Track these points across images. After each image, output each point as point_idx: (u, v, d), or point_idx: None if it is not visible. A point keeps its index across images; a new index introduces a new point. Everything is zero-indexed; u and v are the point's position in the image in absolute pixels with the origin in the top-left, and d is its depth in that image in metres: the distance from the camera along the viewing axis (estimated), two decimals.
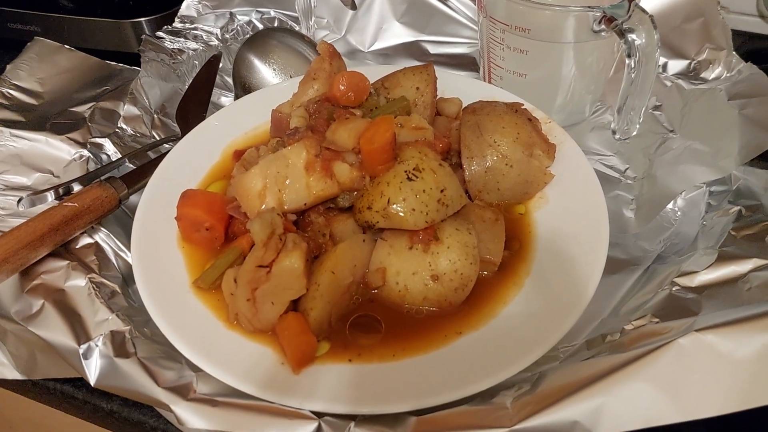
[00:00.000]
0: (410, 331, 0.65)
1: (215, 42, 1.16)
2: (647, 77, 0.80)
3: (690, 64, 0.97)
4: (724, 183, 0.80)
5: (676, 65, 0.98)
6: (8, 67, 1.04)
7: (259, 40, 1.07)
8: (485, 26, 0.92)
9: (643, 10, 0.78)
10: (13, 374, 0.70)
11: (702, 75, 0.96)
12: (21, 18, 1.22)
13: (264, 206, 0.69)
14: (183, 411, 0.58)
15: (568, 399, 0.52)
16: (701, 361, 0.52)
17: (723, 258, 0.67)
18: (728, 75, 0.94)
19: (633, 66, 0.79)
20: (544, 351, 0.60)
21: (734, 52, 0.95)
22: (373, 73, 0.85)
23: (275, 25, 1.22)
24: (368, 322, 0.67)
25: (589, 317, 0.70)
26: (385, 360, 0.63)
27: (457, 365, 0.61)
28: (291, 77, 1.05)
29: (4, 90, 1.01)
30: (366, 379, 0.61)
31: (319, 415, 0.58)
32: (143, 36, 1.11)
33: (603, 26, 0.81)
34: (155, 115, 1.02)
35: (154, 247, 0.73)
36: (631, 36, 0.77)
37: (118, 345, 0.65)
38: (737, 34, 0.99)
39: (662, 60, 0.98)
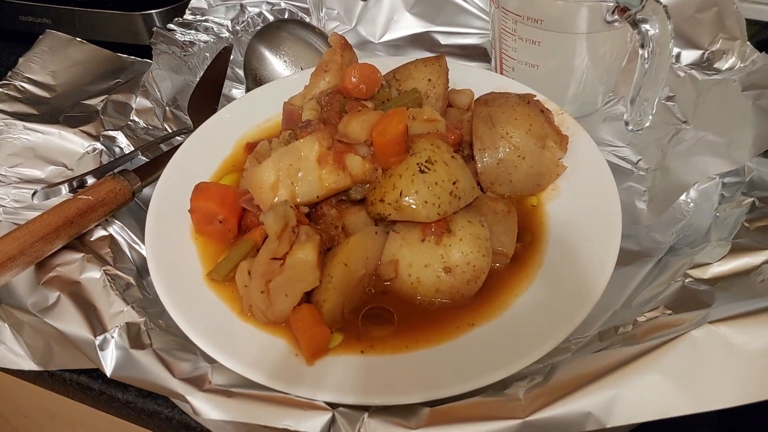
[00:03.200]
0: (423, 322, 0.66)
1: (226, 34, 1.16)
2: (661, 68, 0.79)
3: (703, 54, 0.96)
4: (737, 174, 0.80)
5: (689, 55, 0.97)
6: (20, 60, 1.05)
7: (270, 32, 1.07)
8: (497, 17, 0.92)
9: (657, 0, 0.77)
10: (30, 365, 0.71)
11: (715, 65, 0.95)
12: (32, 10, 1.23)
13: (277, 199, 0.69)
14: (199, 402, 0.59)
15: (581, 390, 0.52)
16: (714, 353, 0.52)
17: (736, 250, 0.67)
18: (742, 65, 0.92)
19: (646, 56, 0.78)
20: (556, 343, 0.60)
21: (748, 42, 0.94)
22: (385, 64, 0.85)
23: (286, 16, 1.22)
24: (381, 314, 0.67)
25: (601, 309, 0.70)
26: (397, 351, 0.63)
27: (469, 357, 0.61)
28: (302, 69, 1.05)
29: (17, 83, 1.01)
30: (379, 370, 0.61)
31: (333, 405, 0.58)
32: (154, 28, 1.11)
33: (616, 16, 0.80)
34: (167, 108, 1.02)
35: (168, 239, 0.74)
36: (645, 26, 0.77)
37: (134, 336, 0.66)
38: (751, 24, 0.98)
39: (675, 50, 0.97)
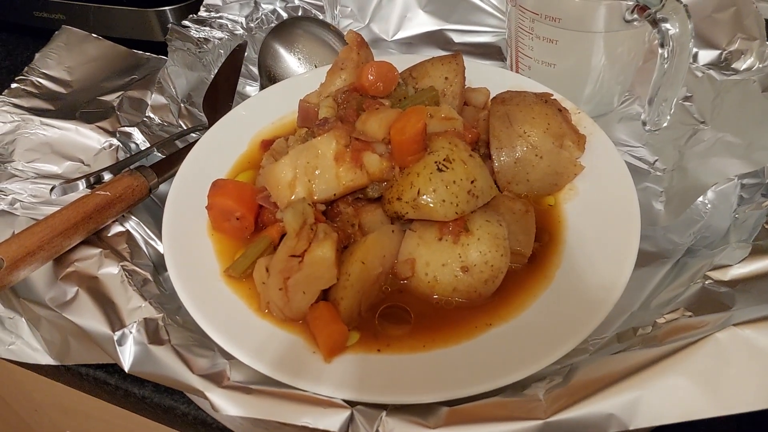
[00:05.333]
0: (439, 322, 0.66)
1: (240, 31, 1.16)
2: (680, 68, 0.79)
3: (721, 54, 0.96)
4: (756, 176, 0.78)
5: (706, 55, 0.97)
6: (37, 55, 1.05)
7: (285, 29, 1.07)
8: (514, 15, 0.91)
9: None
10: (47, 360, 0.71)
11: (733, 65, 0.94)
12: (46, 6, 1.23)
13: (294, 196, 0.69)
14: (217, 398, 0.59)
15: (603, 392, 0.52)
16: (738, 356, 0.52)
17: (757, 252, 0.66)
18: (761, 66, 0.92)
19: (666, 56, 0.78)
20: (575, 344, 0.60)
21: (767, 42, 0.93)
22: (401, 62, 0.85)
23: (300, 13, 1.22)
24: (397, 313, 0.67)
25: (619, 310, 0.69)
26: (414, 350, 0.63)
27: (487, 357, 0.61)
28: (316, 66, 1.05)
29: (34, 78, 1.02)
30: (396, 369, 0.61)
31: (351, 404, 0.58)
32: (169, 25, 1.11)
33: (635, 15, 0.80)
34: (182, 105, 1.02)
35: (185, 235, 0.74)
36: (665, 25, 0.76)
37: (152, 332, 0.66)
38: None
39: (693, 50, 0.97)
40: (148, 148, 0.90)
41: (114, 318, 0.67)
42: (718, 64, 0.95)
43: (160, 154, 0.91)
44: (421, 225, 0.69)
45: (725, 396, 0.50)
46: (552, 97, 0.81)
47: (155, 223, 0.82)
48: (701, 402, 0.50)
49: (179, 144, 0.94)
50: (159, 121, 0.98)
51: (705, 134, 0.88)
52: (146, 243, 0.79)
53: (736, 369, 0.51)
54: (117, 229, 0.79)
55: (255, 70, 1.12)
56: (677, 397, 0.50)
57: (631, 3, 0.79)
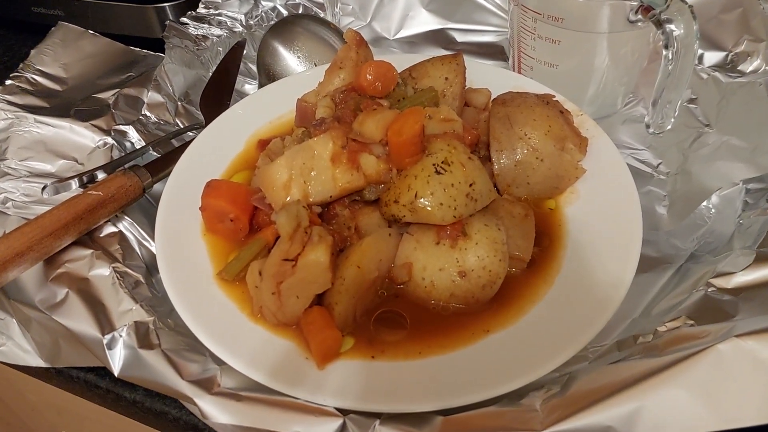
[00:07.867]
0: (436, 328, 0.64)
1: (239, 28, 1.14)
2: (685, 69, 0.77)
3: (727, 56, 0.94)
4: (761, 181, 0.77)
5: (712, 57, 0.95)
6: (32, 52, 1.04)
7: (284, 27, 1.06)
8: (516, 15, 0.90)
9: (683, 0, 0.75)
10: (37, 362, 0.71)
11: (739, 68, 0.92)
12: (44, 2, 1.22)
13: (289, 198, 0.68)
14: (207, 405, 0.58)
15: (601, 403, 0.51)
16: (741, 368, 0.50)
17: (761, 259, 0.65)
18: (767, 68, 0.90)
19: (670, 58, 0.76)
20: (574, 351, 0.59)
21: None
22: (401, 62, 0.83)
23: (300, 11, 1.20)
24: (393, 318, 0.66)
25: (619, 317, 0.68)
26: (410, 357, 0.62)
27: (484, 364, 0.60)
28: (316, 65, 1.04)
29: (29, 75, 1.00)
30: (390, 376, 0.60)
31: (344, 412, 0.57)
32: (167, 22, 1.10)
33: (640, 16, 0.79)
34: (179, 103, 1.01)
35: (178, 237, 0.73)
36: (670, 26, 0.75)
37: (142, 336, 0.65)
38: None
39: (698, 51, 0.95)
40: (143, 147, 0.89)
41: (104, 321, 0.66)
42: (723, 66, 0.94)
43: (155, 153, 0.90)
44: (419, 228, 0.68)
45: (727, 409, 0.49)
46: (554, 99, 0.79)
47: (149, 224, 0.80)
48: (702, 415, 0.49)
49: (175, 143, 0.93)
50: (155, 120, 0.96)
51: (710, 137, 0.86)
52: (139, 244, 0.78)
53: (738, 382, 0.50)
54: (109, 229, 0.77)
55: (254, 68, 1.10)
56: (678, 410, 0.49)
57: (635, 3, 0.78)
